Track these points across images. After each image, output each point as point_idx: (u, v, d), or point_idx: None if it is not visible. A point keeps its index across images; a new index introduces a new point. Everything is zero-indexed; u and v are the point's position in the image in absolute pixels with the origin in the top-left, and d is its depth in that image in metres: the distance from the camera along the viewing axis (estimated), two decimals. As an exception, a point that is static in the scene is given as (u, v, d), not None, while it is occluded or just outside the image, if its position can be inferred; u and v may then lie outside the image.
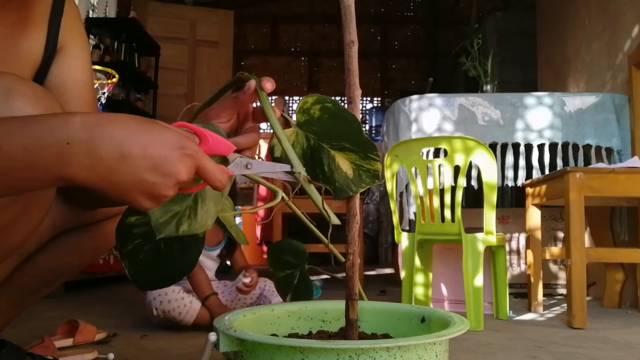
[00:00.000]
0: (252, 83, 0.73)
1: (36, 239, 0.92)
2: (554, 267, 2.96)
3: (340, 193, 0.72)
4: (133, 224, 0.72)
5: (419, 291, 2.13)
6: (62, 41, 0.94)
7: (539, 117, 2.52)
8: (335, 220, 0.69)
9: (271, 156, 0.75)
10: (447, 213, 1.98)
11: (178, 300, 1.71)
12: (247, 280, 1.84)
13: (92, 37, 4.34)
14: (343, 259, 0.92)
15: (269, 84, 0.73)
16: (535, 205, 2.31)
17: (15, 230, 0.77)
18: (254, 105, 0.77)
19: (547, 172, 2.45)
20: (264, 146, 5.10)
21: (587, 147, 2.52)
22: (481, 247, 1.91)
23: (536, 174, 2.47)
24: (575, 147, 2.52)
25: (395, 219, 2.15)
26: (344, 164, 0.72)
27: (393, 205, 2.15)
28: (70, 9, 0.95)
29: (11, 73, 0.70)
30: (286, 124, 0.76)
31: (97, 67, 3.58)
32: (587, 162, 2.53)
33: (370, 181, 0.73)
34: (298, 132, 0.73)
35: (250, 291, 1.87)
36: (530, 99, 2.55)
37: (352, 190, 0.72)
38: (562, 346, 1.55)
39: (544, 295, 2.58)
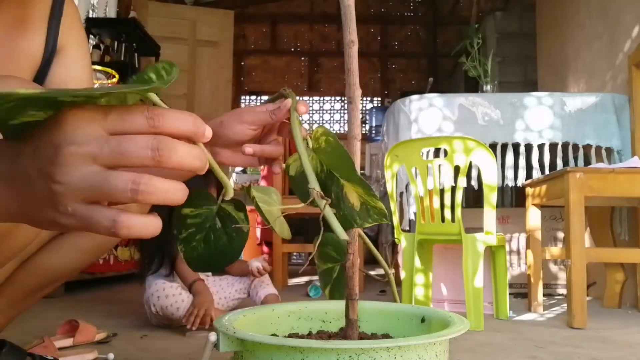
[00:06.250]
0: (288, 103, 0.75)
1: (37, 240, 0.93)
2: (554, 267, 2.96)
3: (344, 222, 0.73)
4: (187, 215, 0.76)
5: (419, 291, 2.13)
6: (62, 42, 0.94)
7: (539, 117, 2.52)
8: (344, 235, 0.69)
9: (287, 174, 0.78)
10: (447, 213, 1.98)
11: (175, 295, 1.71)
12: (266, 264, 1.99)
13: (92, 37, 4.34)
14: (384, 263, 0.93)
15: (303, 108, 0.76)
16: (535, 205, 2.31)
17: (19, 233, 0.77)
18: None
19: (547, 172, 2.45)
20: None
21: (587, 147, 2.52)
22: (481, 247, 1.91)
23: (536, 174, 2.47)
24: (575, 147, 2.52)
25: (396, 219, 2.15)
26: (351, 195, 0.73)
27: (393, 206, 2.15)
28: (69, 11, 0.96)
29: (15, 76, 0.70)
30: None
31: (97, 67, 3.59)
32: (587, 162, 2.53)
33: (378, 219, 0.74)
34: (313, 156, 0.74)
35: (262, 274, 1.99)
36: (530, 99, 2.55)
37: (357, 222, 0.74)
38: (562, 346, 1.55)
39: (544, 295, 2.58)
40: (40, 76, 0.92)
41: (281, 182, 3.15)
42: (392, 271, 0.94)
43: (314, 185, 0.68)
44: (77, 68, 0.96)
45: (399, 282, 2.18)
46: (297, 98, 0.77)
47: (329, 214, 0.66)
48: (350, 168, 0.72)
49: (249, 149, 0.75)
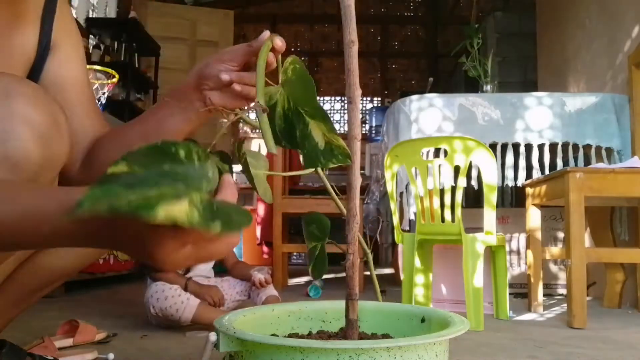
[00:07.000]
0: (266, 33, 0.78)
1: (36, 239, 0.92)
2: (554, 267, 2.96)
3: (308, 161, 0.73)
4: None
5: (419, 291, 2.13)
6: (56, 39, 0.94)
7: (539, 117, 2.52)
8: (273, 149, 0.70)
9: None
10: (447, 213, 1.98)
11: (175, 297, 1.71)
12: (268, 277, 1.97)
13: (92, 37, 4.34)
14: (364, 244, 0.94)
15: (279, 41, 0.78)
16: (535, 205, 2.31)
17: None
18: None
19: (547, 172, 2.45)
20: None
21: (587, 147, 2.52)
22: (481, 248, 1.91)
23: (536, 174, 2.47)
24: (575, 147, 2.52)
25: (396, 219, 2.15)
26: (316, 132, 0.73)
27: (393, 206, 2.15)
28: (62, 8, 0.96)
29: (9, 73, 0.70)
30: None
31: (97, 67, 3.58)
32: (587, 162, 2.53)
33: (342, 159, 0.73)
34: (281, 91, 0.74)
35: (263, 287, 1.97)
36: (530, 99, 2.55)
37: (321, 161, 0.73)
38: (562, 346, 1.55)
39: (544, 295, 2.58)
40: (34, 72, 0.91)
41: (281, 183, 3.15)
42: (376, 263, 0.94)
43: (260, 99, 0.70)
44: (72, 64, 0.96)
45: (399, 282, 2.17)
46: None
47: (265, 126, 0.68)
48: (311, 97, 0.72)
49: (225, 75, 0.79)
